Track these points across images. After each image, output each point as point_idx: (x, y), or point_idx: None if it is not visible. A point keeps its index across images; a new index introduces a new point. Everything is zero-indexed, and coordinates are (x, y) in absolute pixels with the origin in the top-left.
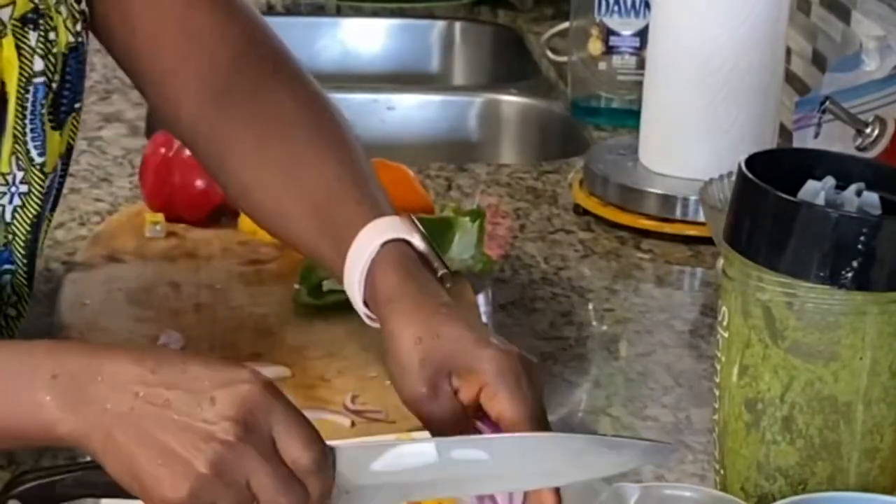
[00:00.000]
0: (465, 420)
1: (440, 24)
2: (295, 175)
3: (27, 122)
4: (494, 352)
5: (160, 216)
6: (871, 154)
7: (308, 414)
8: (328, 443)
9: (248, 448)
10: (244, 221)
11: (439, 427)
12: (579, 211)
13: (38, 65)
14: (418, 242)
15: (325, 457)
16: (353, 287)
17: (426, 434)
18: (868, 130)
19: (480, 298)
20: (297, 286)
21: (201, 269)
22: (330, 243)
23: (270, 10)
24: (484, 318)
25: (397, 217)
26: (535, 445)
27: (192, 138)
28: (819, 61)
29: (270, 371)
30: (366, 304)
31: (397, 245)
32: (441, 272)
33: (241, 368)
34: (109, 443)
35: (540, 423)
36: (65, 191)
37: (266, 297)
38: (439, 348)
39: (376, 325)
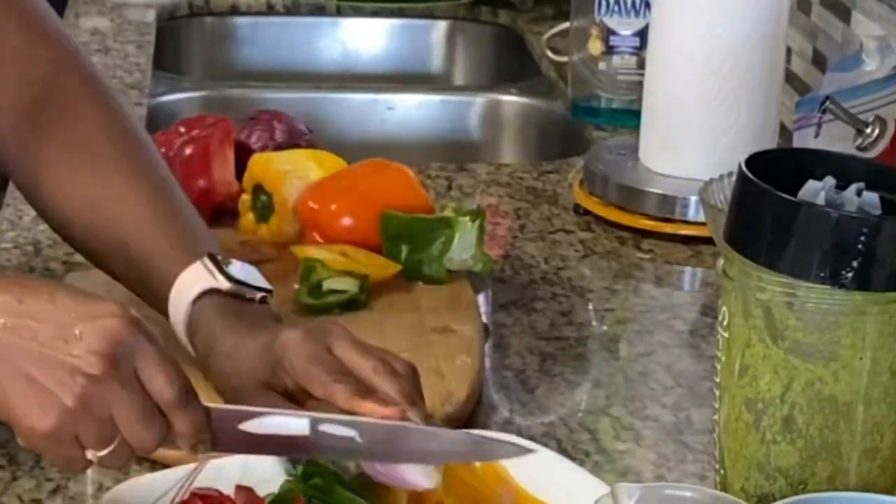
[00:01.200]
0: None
1: (440, 24)
2: (105, 214)
3: None
4: (288, 339)
5: None
6: (871, 154)
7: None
8: (206, 404)
9: (112, 382)
10: (244, 221)
11: None
12: (579, 211)
13: None
14: (224, 284)
15: (189, 394)
16: (180, 332)
17: None
18: (868, 130)
19: (481, 298)
20: (296, 286)
21: None
22: (145, 290)
23: (270, 10)
24: (484, 318)
25: (203, 261)
26: (406, 433)
27: (5, 159)
28: (819, 61)
29: None
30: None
31: (208, 297)
32: (258, 296)
33: (108, 302)
34: None
35: (346, 376)
36: None
37: None
38: (254, 360)
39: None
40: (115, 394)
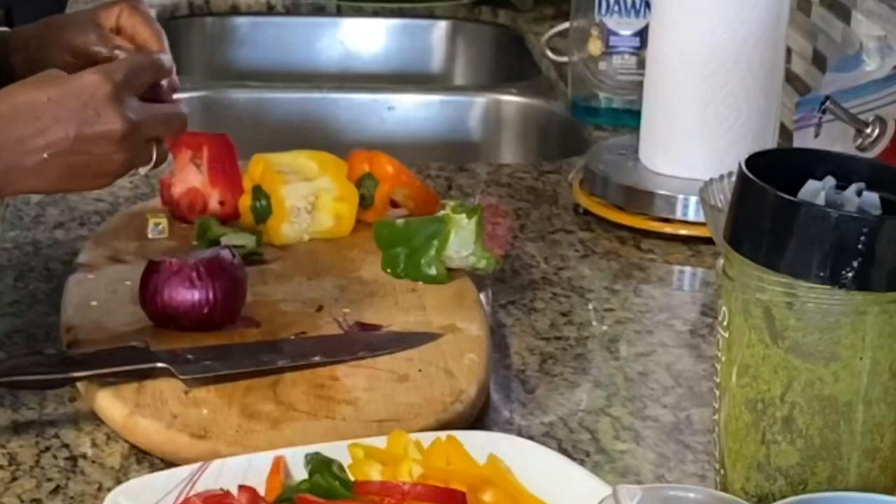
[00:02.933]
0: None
1: (440, 24)
2: None
3: None
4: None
5: (162, 217)
6: (871, 154)
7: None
8: None
9: (135, 126)
10: (244, 222)
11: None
12: (579, 211)
13: None
14: None
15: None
16: None
17: (427, 435)
18: (868, 130)
19: (481, 298)
20: (194, 243)
21: None
22: None
23: (270, 10)
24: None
25: None
26: None
27: None
28: (819, 61)
29: None
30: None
31: None
32: None
33: (86, 73)
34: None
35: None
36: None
37: (269, 298)
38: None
39: None
40: (142, 126)
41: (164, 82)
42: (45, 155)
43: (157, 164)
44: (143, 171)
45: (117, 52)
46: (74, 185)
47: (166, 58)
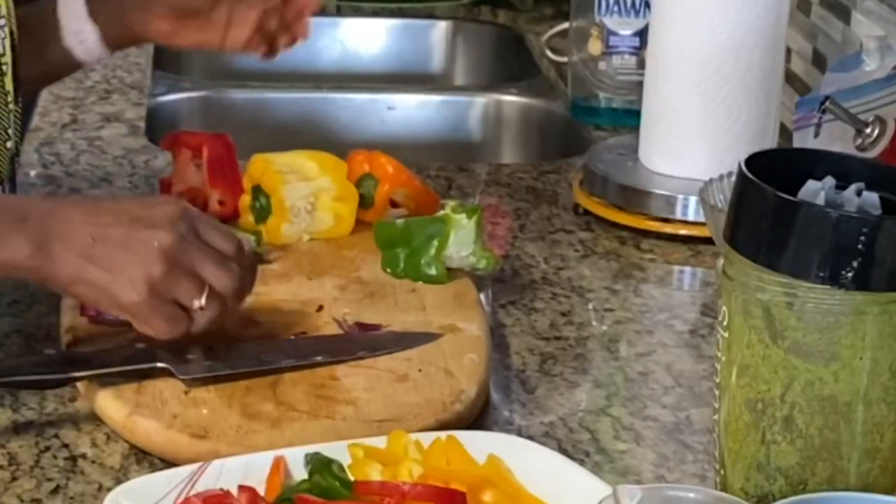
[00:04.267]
0: None
1: (440, 24)
2: None
3: None
4: None
5: None
6: (871, 154)
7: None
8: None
9: (185, 243)
10: (245, 221)
11: None
12: (579, 211)
13: None
14: None
15: (243, 245)
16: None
17: (427, 435)
18: (868, 130)
19: (481, 298)
20: None
21: None
22: None
23: None
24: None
25: None
26: None
27: None
28: (819, 61)
29: None
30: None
31: None
32: None
33: (163, 199)
34: (78, 271)
35: None
36: (65, 191)
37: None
38: None
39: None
40: (192, 250)
41: None
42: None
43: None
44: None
45: None
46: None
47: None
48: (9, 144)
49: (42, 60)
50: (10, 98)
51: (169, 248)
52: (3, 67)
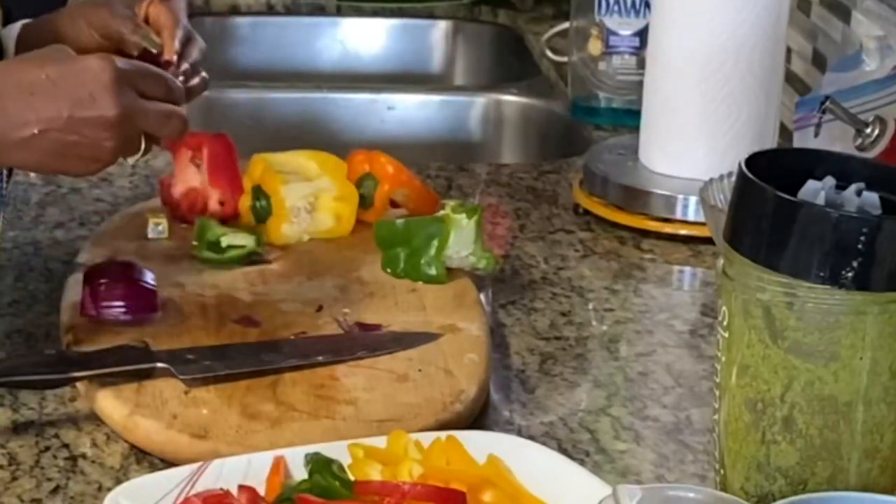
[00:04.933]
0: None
1: (440, 24)
2: None
3: None
4: None
5: (162, 217)
6: (871, 154)
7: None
8: None
9: (129, 114)
10: (245, 221)
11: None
12: (579, 211)
13: None
14: None
15: (179, 85)
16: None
17: (427, 435)
18: (868, 130)
19: (481, 298)
20: (194, 243)
21: (204, 270)
22: None
23: (270, 10)
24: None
25: None
26: None
27: None
28: (819, 61)
29: None
30: None
31: None
32: None
33: (87, 56)
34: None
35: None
36: (65, 191)
37: (269, 298)
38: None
39: None
40: (136, 118)
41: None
42: (35, 130)
43: (144, 153)
44: (131, 160)
45: (137, 38)
46: (61, 166)
47: (177, 86)
48: None
49: None
50: None
51: (114, 125)
52: None
